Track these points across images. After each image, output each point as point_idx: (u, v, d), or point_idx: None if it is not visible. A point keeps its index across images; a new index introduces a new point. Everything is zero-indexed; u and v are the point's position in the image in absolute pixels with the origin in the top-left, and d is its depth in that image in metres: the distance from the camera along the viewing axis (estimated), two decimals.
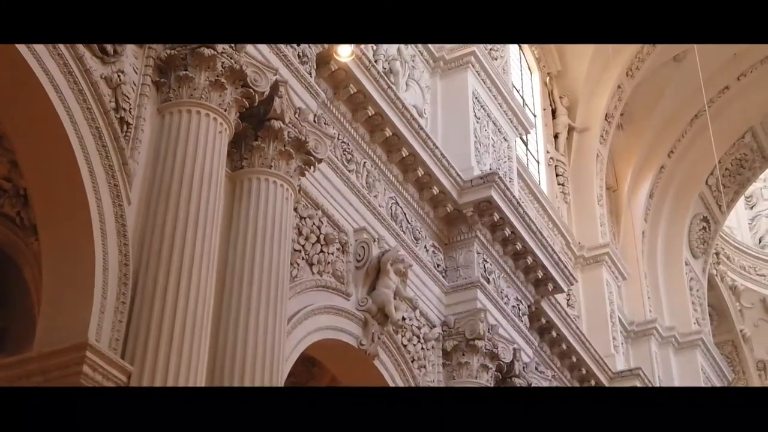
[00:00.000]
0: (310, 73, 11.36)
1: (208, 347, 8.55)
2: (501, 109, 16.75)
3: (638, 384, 19.53)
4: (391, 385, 12.33)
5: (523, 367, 14.67)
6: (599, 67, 22.69)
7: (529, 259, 15.49)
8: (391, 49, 14.91)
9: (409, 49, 15.47)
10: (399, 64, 14.96)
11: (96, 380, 7.65)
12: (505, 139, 16.72)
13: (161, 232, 8.59)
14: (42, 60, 8.06)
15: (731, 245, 31.34)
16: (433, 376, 13.33)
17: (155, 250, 8.51)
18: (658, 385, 21.49)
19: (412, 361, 12.89)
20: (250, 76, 9.86)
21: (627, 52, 22.55)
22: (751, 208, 33.93)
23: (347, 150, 12.78)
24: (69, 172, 8.24)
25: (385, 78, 13.25)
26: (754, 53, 24.33)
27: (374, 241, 12.51)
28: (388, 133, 13.31)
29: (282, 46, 10.69)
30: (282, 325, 9.61)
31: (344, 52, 12.07)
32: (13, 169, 10.25)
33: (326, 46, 11.85)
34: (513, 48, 20.72)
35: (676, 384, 22.47)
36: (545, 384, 15.64)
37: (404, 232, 13.58)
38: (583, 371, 18.52)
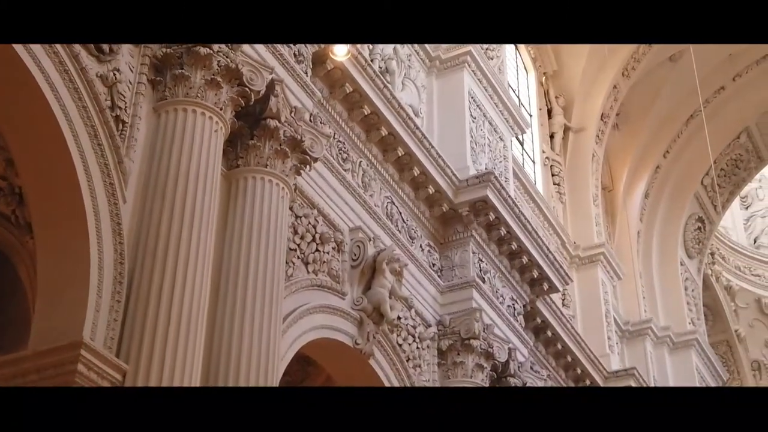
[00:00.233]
0: (306, 72, 11.36)
1: (203, 346, 8.55)
2: (497, 108, 16.75)
3: (633, 384, 19.55)
4: (387, 384, 12.33)
5: (518, 367, 14.68)
6: (595, 67, 22.71)
7: (525, 259, 15.49)
8: (387, 48, 14.90)
9: (405, 49, 15.46)
10: (395, 64, 14.97)
11: (91, 379, 7.64)
12: (501, 139, 16.73)
13: (156, 231, 8.59)
14: (38, 58, 8.05)
15: (726, 245, 31.39)
16: (428, 376, 13.33)
17: (150, 248, 8.50)
18: (652, 384, 21.52)
19: (408, 361, 12.89)
20: (246, 75, 9.85)
21: (623, 52, 22.57)
22: (747, 208, 33.98)
23: (343, 149, 12.78)
24: (64, 170, 8.23)
25: (381, 77, 13.24)
26: (750, 54, 24.36)
27: (370, 240, 12.51)
28: (383, 132, 13.32)
29: (278, 45, 10.68)
30: (277, 324, 9.61)
31: (340, 52, 12.06)
32: (9, 168, 10.23)
33: (322, 45, 11.85)
34: (509, 48, 20.72)
35: (671, 384, 22.50)
36: (540, 383, 15.66)
37: (400, 232, 13.58)
38: (578, 371, 18.53)
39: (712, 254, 29.33)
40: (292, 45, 11.09)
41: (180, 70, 9.38)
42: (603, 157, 23.48)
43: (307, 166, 10.94)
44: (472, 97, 15.94)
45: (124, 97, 8.94)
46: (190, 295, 8.41)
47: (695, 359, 23.58)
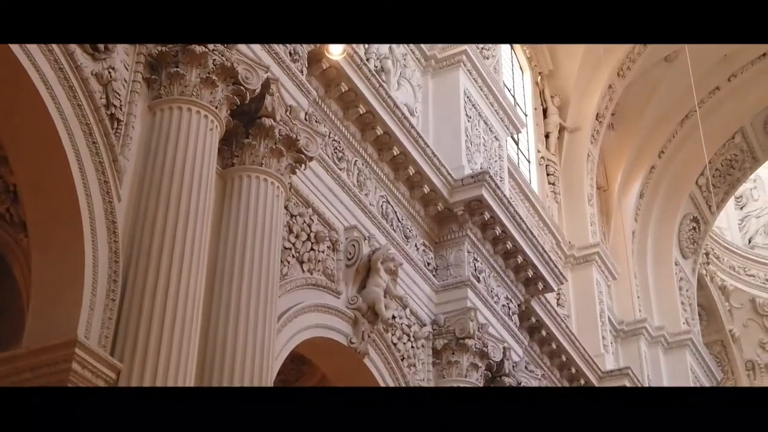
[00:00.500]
0: (302, 71, 11.35)
1: (197, 344, 8.55)
2: (492, 108, 16.76)
3: (627, 383, 19.57)
4: (381, 383, 12.33)
5: (513, 366, 14.69)
6: (590, 67, 22.73)
7: (520, 259, 15.50)
8: (383, 47, 14.90)
9: (400, 48, 15.46)
10: (390, 63, 14.96)
11: (85, 377, 7.64)
12: (496, 139, 16.73)
13: (151, 229, 8.58)
14: (33, 56, 8.04)
15: (721, 245, 31.43)
16: (422, 375, 13.33)
17: (145, 247, 8.50)
18: (647, 384, 21.54)
19: (402, 360, 12.89)
20: (242, 73, 9.85)
21: (618, 52, 22.59)
22: (741, 208, 34.04)
23: (338, 148, 12.78)
24: (59, 168, 8.22)
25: (377, 76, 13.24)
26: (745, 54, 24.40)
27: (365, 239, 12.51)
28: (379, 131, 13.31)
29: (273, 44, 10.67)
30: (272, 323, 9.60)
31: (336, 51, 12.05)
32: (3, 166, 10.20)
33: (318, 44, 11.84)
34: (504, 47, 20.73)
35: (665, 384, 22.54)
36: (535, 383, 15.66)
37: (395, 231, 13.58)
38: (573, 370, 18.55)
39: (707, 254, 29.38)
40: (287, 44, 11.09)
41: (175, 69, 9.37)
42: (598, 157, 23.50)
43: (303, 165, 10.94)
44: (467, 97, 15.94)
45: (119, 95, 8.93)
46: (184, 294, 8.40)
47: (689, 359, 23.61)
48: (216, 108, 9.53)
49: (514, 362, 14.78)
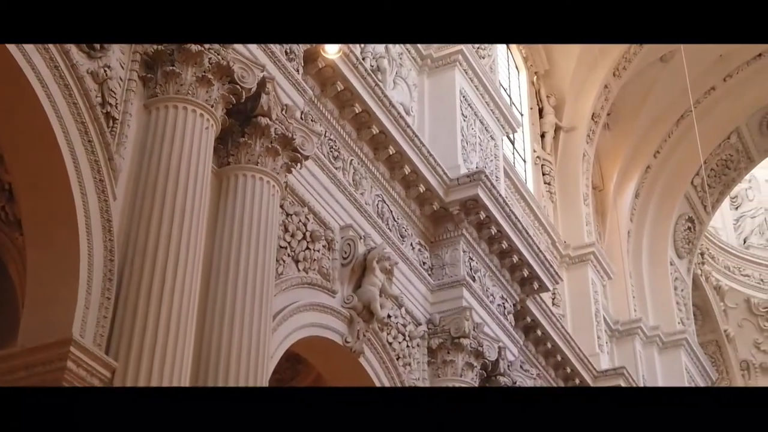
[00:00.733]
0: (298, 70, 11.35)
1: (192, 343, 8.54)
2: (488, 107, 16.76)
3: (622, 383, 19.59)
4: (376, 382, 12.34)
5: (508, 366, 14.70)
6: (586, 67, 22.74)
7: (515, 258, 15.51)
8: (379, 46, 14.90)
9: (396, 47, 15.46)
10: (386, 62, 14.96)
11: (80, 376, 7.63)
12: (492, 138, 16.74)
13: (147, 228, 8.57)
14: (28, 55, 8.03)
15: (716, 245, 31.48)
16: (418, 374, 13.34)
17: (140, 245, 8.49)
18: (642, 384, 21.57)
19: (397, 359, 12.90)
20: (237, 72, 9.84)
21: (614, 52, 22.61)
22: (736, 208, 34.09)
23: (334, 147, 12.78)
24: (54, 167, 8.21)
25: (373, 76, 13.24)
26: (741, 54, 24.43)
27: (360, 238, 12.51)
28: (375, 130, 13.31)
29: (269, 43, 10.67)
30: (267, 322, 9.60)
31: (332, 50, 12.05)
32: None
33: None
34: (500, 47, 20.73)
35: (660, 383, 22.56)
36: (530, 382, 15.67)
37: (390, 230, 13.59)
38: (568, 370, 18.56)
39: (702, 254, 29.41)
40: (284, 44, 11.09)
41: (171, 67, 9.37)
42: (594, 157, 23.52)
43: (298, 164, 10.94)
44: (463, 96, 15.94)
45: (115, 93, 8.92)
46: (180, 293, 8.40)
47: (684, 359, 23.64)
48: (212, 107, 9.52)
49: (509, 362, 14.79)
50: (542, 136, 22.98)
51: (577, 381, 18.87)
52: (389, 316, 12.79)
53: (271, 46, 10.71)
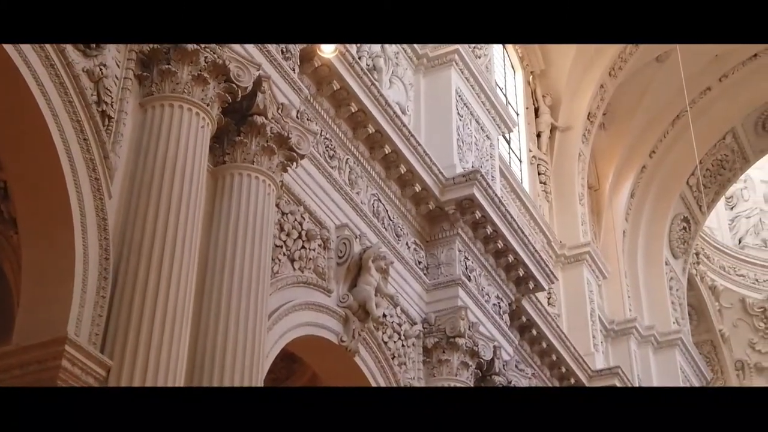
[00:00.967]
0: (294, 69, 11.34)
1: (188, 342, 8.53)
2: (484, 107, 16.77)
3: (617, 383, 19.61)
4: (372, 381, 12.34)
5: (503, 365, 14.71)
6: (582, 67, 22.76)
7: (511, 258, 15.52)
8: (375, 46, 14.89)
9: (392, 47, 15.45)
10: (382, 61, 14.96)
11: (75, 374, 7.62)
12: (488, 138, 16.74)
13: (142, 227, 8.56)
14: (24, 53, 8.02)
15: (711, 245, 31.52)
16: (413, 373, 13.34)
17: (136, 244, 8.48)
18: (637, 384, 21.59)
19: (393, 358, 12.89)
20: (233, 71, 9.83)
21: (610, 52, 22.62)
22: (732, 208, 34.13)
23: (330, 146, 12.77)
24: (50, 165, 8.20)
25: (369, 75, 13.24)
26: (736, 55, 24.46)
27: (356, 237, 12.51)
28: (370, 129, 13.31)
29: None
30: (262, 321, 9.60)
31: (328, 49, 12.04)
32: None
33: None
34: (496, 46, 20.74)
35: (655, 383, 22.58)
36: (525, 382, 15.68)
37: (386, 229, 13.59)
38: (563, 369, 18.58)
39: (697, 254, 29.45)
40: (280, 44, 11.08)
41: (167, 66, 9.36)
42: (589, 157, 23.54)
43: (294, 163, 10.93)
44: (459, 96, 15.94)
45: (111, 92, 8.91)
46: (175, 291, 8.39)
47: (679, 359, 23.67)
48: (207, 105, 9.51)
49: (504, 361, 14.80)
50: (538, 135, 23.00)
51: (572, 381, 18.89)
52: (385, 316, 12.79)
53: (267, 44, 10.71)
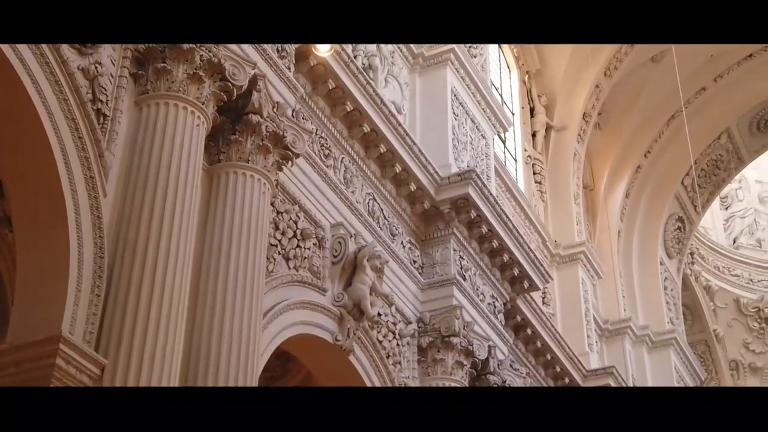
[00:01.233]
0: (289, 68, 11.34)
1: (182, 341, 8.52)
2: (479, 106, 16.77)
3: (612, 382, 19.62)
4: (366, 380, 12.33)
5: (498, 365, 14.71)
6: (577, 67, 22.77)
7: (506, 257, 15.53)
8: (371, 45, 14.89)
9: (388, 46, 15.45)
10: (378, 61, 14.95)
11: (69, 373, 7.61)
12: (483, 137, 16.75)
13: (137, 225, 8.55)
14: (19, 51, 8.00)
15: (706, 245, 31.56)
16: (408, 373, 13.34)
17: (131, 242, 8.47)
18: (631, 383, 21.61)
19: (387, 357, 12.90)
20: (229, 69, 9.82)
21: (605, 51, 22.64)
22: (726, 208, 34.17)
23: (325, 145, 12.77)
24: (44, 163, 8.19)
25: (364, 74, 13.23)
26: (732, 55, 24.49)
27: (351, 236, 12.50)
28: (366, 129, 13.31)
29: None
30: (257, 320, 9.59)
31: (323, 48, 12.04)
32: None
33: None
34: (492, 46, 20.74)
35: (650, 383, 22.61)
36: (519, 381, 15.69)
37: (381, 228, 13.58)
38: (558, 369, 18.58)
39: (692, 254, 29.48)
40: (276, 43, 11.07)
41: (162, 64, 9.35)
42: (584, 156, 23.55)
43: (289, 162, 10.93)
44: (454, 95, 15.95)
45: (106, 90, 8.89)
46: (170, 290, 8.38)
47: (674, 358, 23.70)
48: (203, 104, 9.50)
49: (499, 360, 14.80)
50: (533, 135, 23.01)
51: (567, 380, 18.90)
52: (379, 315, 12.79)
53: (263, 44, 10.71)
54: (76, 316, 7.91)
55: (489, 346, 14.44)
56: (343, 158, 13.10)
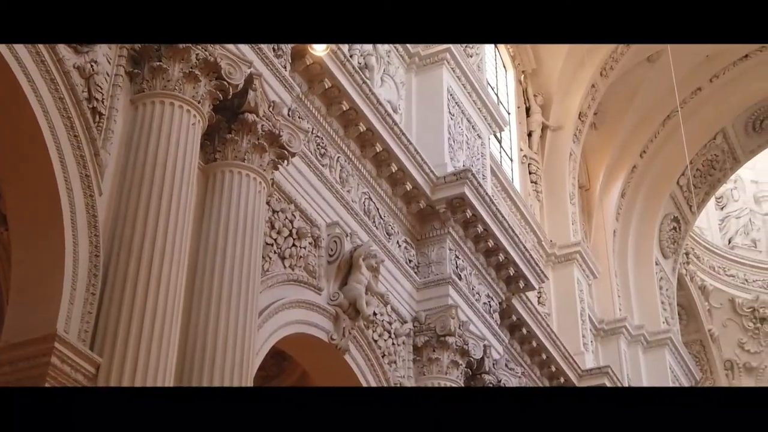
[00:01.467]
0: (285, 67, 11.33)
1: (178, 340, 8.52)
2: (475, 106, 16.78)
3: (607, 382, 19.64)
4: (361, 380, 12.33)
5: (493, 364, 14.72)
6: (573, 66, 22.79)
7: (501, 257, 15.53)
8: (366, 44, 14.89)
9: (384, 45, 15.45)
10: (374, 60, 14.95)
11: (65, 372, 7.61)
12: (479, 137, 16.76)
13: (132, 224, 8.55)
14: (14, 49, 7.99)
15: (701, 245, 31.59)
16: (403, 372, 13.34)
17: (126, 241, 8.47)
18: (626, 383, 21.63)
19: (383, 357, 12.90)
20: (225, 68, 9.82)
21: (601, 51, 22.66)
22: (722, 209, 34.21)
23: (321, 144, 12.76)
24: (40, 162, 8.18)
25: (360, 73, 13.23)
26: (727, 55, 24.52)
27: (347, 235, 12.50)
28: (362, 128, 13.31)
29: None
30: (253, 319, 9.59)
31: (319, 47, 12.04)
32: None
33: None
34: (488, 46, 20.75)
35: (645, 383, 22.64)
36: (515, 381, 15.70)
37: (377, 228, 13.58)
38: (553, 369, 18.60)
39: (687, 254, 29.52)
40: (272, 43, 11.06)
41: (158, 63, 9.34)
42: (580, 156, 23.57)
43: (285, 161, 10.92)
44: (450, 95, 15.95)
45: (101, 88, 8.89)
46: (165, 289, 8.38)
47: (669, 358, 23.72)
48: (198, 103, 9.50)
49: (494, 360, 14.81)
50: (529, 135, 23.03)
51: (562, 380, 18.92)
52: (375, 314, 12.79)
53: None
54: (72, 314, 7.90)
55: (484, 346, 14.44)
56: (338, 157, 13.10)
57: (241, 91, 10.13)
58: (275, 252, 11.25)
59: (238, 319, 9.31)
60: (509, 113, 22.07)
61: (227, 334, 9.14)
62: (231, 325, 9.21)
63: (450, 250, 14.56)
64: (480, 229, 14.92)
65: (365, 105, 13.21)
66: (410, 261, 14.32)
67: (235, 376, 8.99)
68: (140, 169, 8.84)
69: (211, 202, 9.94)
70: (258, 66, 10.54)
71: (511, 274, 15.92)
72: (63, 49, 8.48)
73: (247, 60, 10.17)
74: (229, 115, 10.25)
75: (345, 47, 13.38)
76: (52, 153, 8.19)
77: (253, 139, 10.27)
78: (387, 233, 13.86)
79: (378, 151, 13.64)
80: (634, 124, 24.63)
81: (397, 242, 14.10)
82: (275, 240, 11.28)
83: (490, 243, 15.25)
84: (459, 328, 13.85)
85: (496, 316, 15.67)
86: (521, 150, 22.51)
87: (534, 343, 17.87)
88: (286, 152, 10.75)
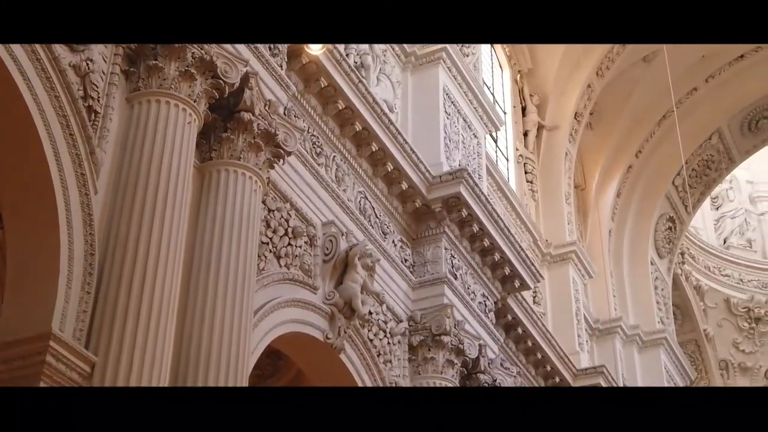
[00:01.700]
0: (281, 66, 11.33)
1: (173, 338, 8.51)
2: (471, 105, 16.78)
3: (602, 382, 19.66)
4: (357, 379, 12.34)
5: (489, 363, 14.73)
6: (569, 66, 22.80)
7: (497, 256, 15.54)
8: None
9: (380, 44, 15.45)
10: (370, 59, 14.95)
11: (59, 370, 7.60)
12: (475, 136, 16.76)
13: (128, 222, 8.54)
14: (10, 47, 7.97)
15: (696, 245, 31.63)
16: (398, 371, 13.34)
17: (121, 240, 8.46)
18: (621, 383, 21.65)
19: (378, 356, 12.90)
20: (221, 67, 9.81)
21: (597, 51, 22.68)
22: (717, 209, 34.26)
23: (317, 143, 12.76)
24: (35, 160, 8.17)
25: (356, 72, 13.23)
26: (723, 55, 24.55)
27: (342, 235, 12.50)
28: (358, 127, 13.31)
29: None
30: (248, 318, 9.58)
31: (315, 46, 12.03)
32: None
33: None
34: (484, 45, 20.75)
35: (640, 382, 22.66)
36: (510, 380, 15.70)
37: (372, 227, 13.58)
38: (548, 368, 18.61)
39: (682, 254, 29.55)
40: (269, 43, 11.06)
41: (154, 62, 9.33)
42: (576, 156, 23.58)
43: (281, 160, 10.92)
44: (446, 94, 15.95)
45: (97, 87, 8.87)
46: (160, 288, 8.37)
47: (664, 358, 23.75)
48: (194, 101, 9.49)
49: (489, 359, 14.82)
50: (525, 134, 23.03)
51: (557, 379, 18.93)
52: (370, 313, 12.79)
53: None
54: (67, 313, 7.89)
55: (480, 345, 14.45)
56: (334, 156, 13.10)
57: (237, 89, 10.13)
58: (271, 251, 11.25)
59: (234, 317, 9.30)
60: (505, 113, 22.08)
61: (222, 333, 9.13)
62: (226, 323, 9.20)
63: (445, 249, 14.57)
64: (476, 228, 14.93)
65: (361, 104, 13.21)
66: (406, 260, 14.32)
67: (231, 374, 8.98)
68: (136, 168, 8.83)
69: (207, 201, 9.94)
70: (254, 65, 10.53)
71: (507, 273, 15.92)
72: (59, 47, 8.47)
73: (243, 59, 10.16)
74: (225, 114, 10.25)
75: (341, 46, 13.38)
76: (47, 151, 8.18)
77: (248, 137, 10.26)
78: (383, 232, 13.86)
79: (374, 150, 13.64)
80: (630, 124, 24.65)
81: (393, 241, 14.10)
82: (271, 239, 11.28)
83: (486, 242, 15.25)
84: (454, 327, 13.86)
85: (492, 315, 15.67)
86: (517, 150, 22.52)
87: (529, 343, 17.88)
88: (281, 151, 10.75)
